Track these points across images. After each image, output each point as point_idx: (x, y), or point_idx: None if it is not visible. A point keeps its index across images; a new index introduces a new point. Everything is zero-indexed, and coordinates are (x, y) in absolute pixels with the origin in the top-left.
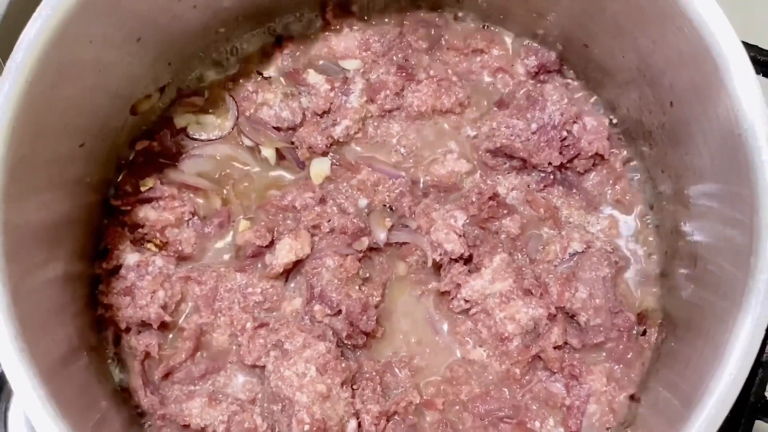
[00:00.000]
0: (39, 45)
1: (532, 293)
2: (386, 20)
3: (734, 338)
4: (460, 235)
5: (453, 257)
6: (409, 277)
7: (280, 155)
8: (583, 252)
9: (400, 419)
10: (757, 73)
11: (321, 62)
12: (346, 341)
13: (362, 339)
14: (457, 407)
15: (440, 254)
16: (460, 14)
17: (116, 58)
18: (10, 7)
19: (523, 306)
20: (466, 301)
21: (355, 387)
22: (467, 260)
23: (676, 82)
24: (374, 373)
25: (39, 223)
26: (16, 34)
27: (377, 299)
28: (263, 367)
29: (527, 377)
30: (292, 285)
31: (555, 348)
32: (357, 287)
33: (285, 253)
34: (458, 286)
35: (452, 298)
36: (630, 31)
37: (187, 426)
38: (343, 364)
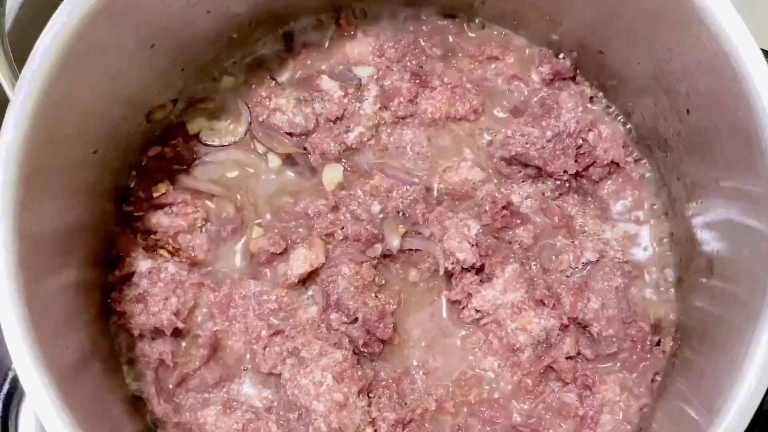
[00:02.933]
0: (54, 53)
1: (544, 304)
2: (401, 26)
3: (753, 350)
4: (473, 245)
5: (465, 266)
6: (421, 284)
7: (292, 161)
8: (596, 262)
9: (415, 426)
10: None
11: (335, 68)
12: (362, 349)
13: (379, 347)
14: (465, 409)
15: (452, 263)
16: (474, 21)
17: (130, 65)
18: (21, 12)
19: (534, 317)
20: (477, 311)
21: (371, 395)
22: (479, 270)
23: (694, 90)
24: (390, 381)
25: (52, 231)
26: (27, 38)
27: (393, 307)
28: (279, 375)
29: (540, 388)
30: (309, 293)
31: (567, 358)
32: (373, 294)
33: (300, 263)
34: (469, 295)
35: (463, 308)
36: (646, 38)
37: None
38: (360, 373)
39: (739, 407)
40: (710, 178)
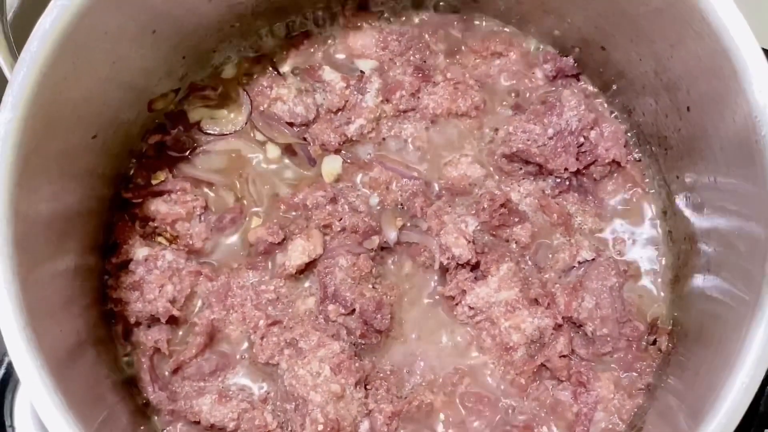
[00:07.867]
0: (54, 35)
1: (538, 303)
2: (405, 20)
3: (747, 346)
4: (470, 241)
5: (460, 262)
6: (416, 278)
7: (291, 151)
8: (592, 260)
9: (412, 419)
10: None
11: (337, 59)
12: (360, 340)
13: (377, 338)
14: (458, 403)
15: (448, 258)
16: (478, 16)
17: (130, 50)
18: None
19: (528, 316)
20: (471, 308)
21: (368, 387)
22: (474, 267)
23: (694, 87)
24: (388, 373)
25: (50, 214)
26: (32, 25)
27: (391, 298)
28: (276, 365)
29: (533, 385)
30: (306, 284)
31: (561, 357)
32: (371, 286)
33: (298, 254)
34: (463, 292)
35: (456, 304)
36: (647, 35)
37: (197, 422)
38: (357, 364)
39: (731, 404)
40: (709, 176)
